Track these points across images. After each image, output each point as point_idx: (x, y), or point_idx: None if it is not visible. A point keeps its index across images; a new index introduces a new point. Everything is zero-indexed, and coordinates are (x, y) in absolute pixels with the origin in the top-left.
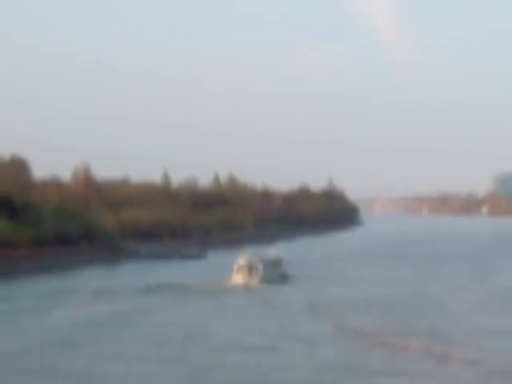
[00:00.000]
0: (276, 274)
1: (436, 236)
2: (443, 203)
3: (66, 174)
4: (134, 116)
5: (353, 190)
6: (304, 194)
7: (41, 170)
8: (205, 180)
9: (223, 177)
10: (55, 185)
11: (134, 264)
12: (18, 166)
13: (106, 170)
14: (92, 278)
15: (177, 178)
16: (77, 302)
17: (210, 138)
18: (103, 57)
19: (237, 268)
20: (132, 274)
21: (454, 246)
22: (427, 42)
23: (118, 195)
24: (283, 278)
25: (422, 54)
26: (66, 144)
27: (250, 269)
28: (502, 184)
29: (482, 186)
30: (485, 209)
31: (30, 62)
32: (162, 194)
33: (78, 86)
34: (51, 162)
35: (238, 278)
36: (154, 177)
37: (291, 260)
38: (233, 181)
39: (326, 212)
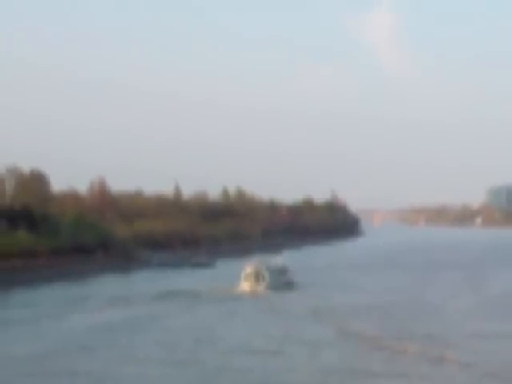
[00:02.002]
0: (282, 281)
1: (433, 246)
2: (439, 214)
3: (82, 187)
4: (147, 132)
5: (354, 202)
6: (308, 206)
7: (59, 183)
8: (214, 193)
9: (231, 190)
10: (72, 197)
11: (147, 272)
12: (37, 180)
13: (120, 183)
14: (107, 286)
15: (187, 191)
16: (93, 308)
17: (219, 153)
18: (117, 76)
19: (244, 276)
20: (145, 282)
21: (450, 255)
22: (425, 62)
23: (131, 207)
24: (288, 286)
25: (421, 73)
26: (82, 159)
27: (257, 276)
28: (495, 196)
29: (476, 198)
30: (479, 220)
31: (50, 81)
32: (173, 206)
33: (93, 104)
34: (69, 175)
35: (245, 286)
36: (166, 190)
37: (296, 268)
38: (240, 193)
39: (329, 223)
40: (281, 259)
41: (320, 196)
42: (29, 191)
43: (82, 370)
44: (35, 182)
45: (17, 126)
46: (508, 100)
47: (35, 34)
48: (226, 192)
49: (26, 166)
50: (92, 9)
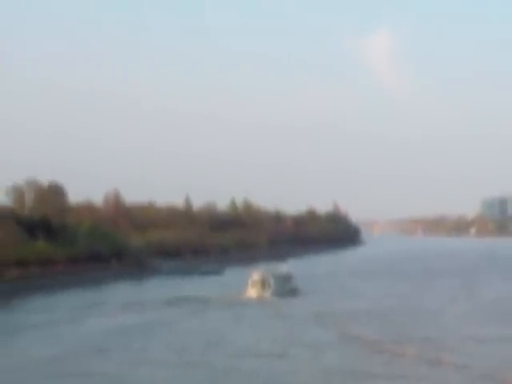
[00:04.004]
0: (286, 288)
1: (430, 254)
2: (436, 225)
3: (98, 198)
4: (158, 147)
5: (355, 212)
6: (311, 217)
7: (75, 195)
8: (222, 204)
9: (239, 201)
10: (88, 208)
11: (159, 279)
12: (55, 192)
13: (133, 195)
14: (121, 292)
15: (197, 203)
16: (108, 313)
17: (227, 166)
18: (130, 94)
19: (251, 283)
20: (157, 288)
21: (447, 263)
22: (423, 81)
23: (144, 217)
24: (293, 292)
25: (419, 91)
26: (98, 171)
27: (263, 283)
28: (489, 208)
29: (471, 209)
30: (473, 230)
31: (67, 99)
32: (184, 217)
33: (108, 120)
34: (85, 188)
35: (252, 292)
36: (177, 201)
37: (300, 275)
38: (247, 205)
39: (331, 233)
40: (285, 267)
41: (322, 207)
42: (47, 203)
43: (97, 372)
44: (53, 194)
45: (36, 141)
46: (501, 117)
47: (53, 54)
48: (233, 203)
49: (44, 178)
50: (103, 30)
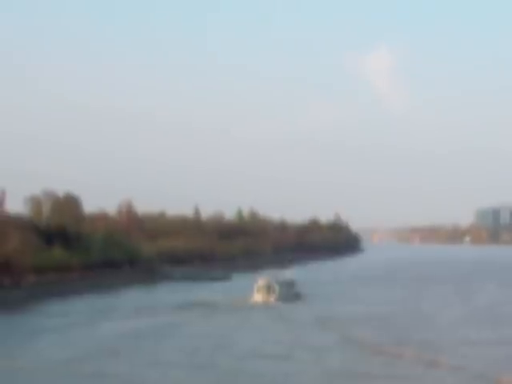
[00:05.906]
0: (290, 293)
1: (426, 261)
2: (433, 233)
3: (111, 208)
4: (170, 160)
5: (355, 222)
6: (314, 226)
7: (90, 205)
8: (230, 214)
9: (245, 211)
10: (103, 218)
11: (170, 285)
12: (71, 202)
13: (145, 205)
14: (133, 297)
15: (206, 212)
16: (121, 317)
17: (234, 178)
18: (144, 110)
19: (257, 288)
20: (168, 293)
21: (442, 270)
22: (420, 98)
23: (156, 226)
24: (296, 297)
25: (417, 107)
26: (111, 182)
27: (268, 289)
28: (482, 217)
29: (466, 219)
30: (467, 238)
31: (81, 114)
32: (193, 226)
33: (122, 134)
34: (99, 198)
35: (257, 297)
36: (187, 211)
37: (303, 281)
38: (253, 214)
39: (333, 241)
40: (290, 273)
41: (325, 217)
42: (63, 212)
43: (111, 373)
44: (69, 204)
45: (53, 155)
46: (496, 132)
47: (68, 71)
48: (240, 213)
49: (60, 189)
50: (120, 49)
